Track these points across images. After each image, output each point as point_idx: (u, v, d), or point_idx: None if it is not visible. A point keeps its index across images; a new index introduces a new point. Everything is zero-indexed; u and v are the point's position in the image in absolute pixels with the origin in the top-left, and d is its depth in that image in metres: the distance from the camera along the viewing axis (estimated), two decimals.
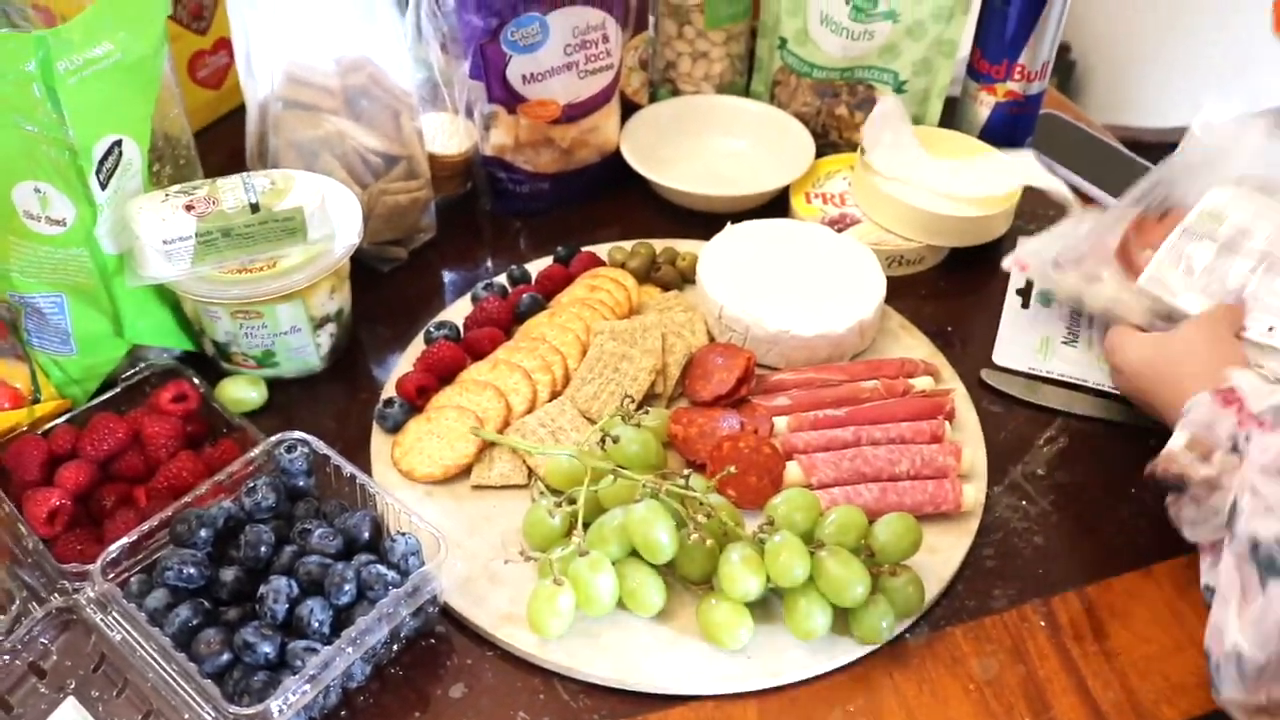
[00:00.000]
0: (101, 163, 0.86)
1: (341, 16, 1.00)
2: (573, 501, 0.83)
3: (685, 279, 1.09)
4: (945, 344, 1.04)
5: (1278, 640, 0.66)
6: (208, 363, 0.99)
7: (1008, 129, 1.23)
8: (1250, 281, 0.92)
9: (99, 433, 0.87)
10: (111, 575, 0.76)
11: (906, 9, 1.16)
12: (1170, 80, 2.44)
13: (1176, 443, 0.78)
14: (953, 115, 1.27)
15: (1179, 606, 0.84)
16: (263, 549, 0.78)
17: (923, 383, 0.98)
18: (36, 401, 0.90)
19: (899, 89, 1.22)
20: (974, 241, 1.13)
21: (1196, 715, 0.78)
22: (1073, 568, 0.87)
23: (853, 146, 1.25)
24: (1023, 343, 1.05)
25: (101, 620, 0.75)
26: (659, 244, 1.11)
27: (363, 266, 1.08)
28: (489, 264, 1.15)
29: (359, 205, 0.98)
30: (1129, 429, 0.97)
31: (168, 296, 0.96)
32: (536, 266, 1.10)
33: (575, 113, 1.15)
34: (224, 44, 1.27)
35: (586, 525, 0.82)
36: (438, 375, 0.97)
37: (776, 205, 1.19)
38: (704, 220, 1.15)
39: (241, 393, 0.97)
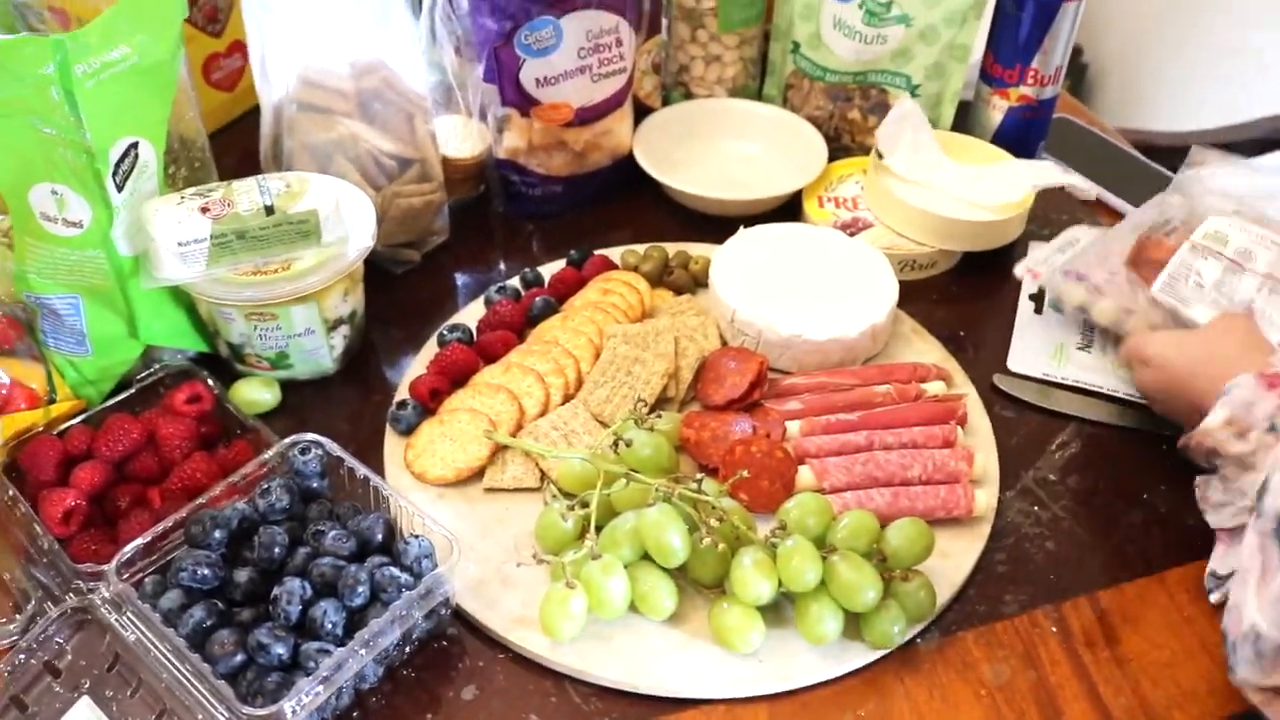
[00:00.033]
0: (118, 165, 0.86)
1: (356, 20, 1.00)
2: (585, 505, 0.83)
3: (698, 283, 1.09)
4: (957, 349, 1.04)
5: None
6: (222, 364, 1.00)
7: (1020, 133, 1.23)
8: (1258, 299, 0.94)
9: (114, 433, 0.87)
10: (126, 575, 0.77)
11: (920, 13, 1.16)
12: (1183, 84, 2.43)
13: (1214, 420, 0.78)
14: (965, 120, 1.26)
15: (1191, 613, 0.84)
16: (276, 550, 0.78)
17: (935, 387, 0.98)
18: (52, 402, 0.91)
19: (912, 93, 1.22)
20: (987, 246, 1.13)
21: None
22: (1085, 573, 0.87)
23: (865, 150, 1.25)
24: (1037, 348, 1.05)
25: (116, 620, 0.75)
26: (672, 247, 1.11)
27: (376, 269, 1.08)
28: (502, 267, 1.15)
29: (373, 208, 0.98)
30: (1142, 435, 0.97)
31: (182, 298, 0.97)
32: (549, 269, 1.11)
33: (588, 116, 1.15)
34: (239, 47, 1.28)
35: (599, 528, 0.82)
36: (450, 378, 0.97)
37: (789, 209, 1.19)
38: (717, 224, 1.15)
39: (255, 394, 0.97)
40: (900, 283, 1.03)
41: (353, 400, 1.00)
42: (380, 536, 0.80)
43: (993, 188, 1.13)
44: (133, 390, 0.94)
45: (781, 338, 0.98)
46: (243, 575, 0.77)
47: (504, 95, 1.11)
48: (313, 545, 0.79)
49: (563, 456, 0.88)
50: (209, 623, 0.74)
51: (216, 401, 0.93)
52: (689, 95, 1.30)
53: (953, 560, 0.86)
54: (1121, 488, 0.93)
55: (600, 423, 0.94)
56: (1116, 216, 1.20)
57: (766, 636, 0.80)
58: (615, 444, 0.87)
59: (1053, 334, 1.06)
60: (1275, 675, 0.67)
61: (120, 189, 0.87)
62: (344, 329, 0.99)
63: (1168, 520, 0.91)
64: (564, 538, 0.83)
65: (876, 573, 0.79)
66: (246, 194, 0.91)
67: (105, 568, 0.76)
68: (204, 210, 0.89)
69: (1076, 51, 2.46)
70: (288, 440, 0.85)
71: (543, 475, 0.91)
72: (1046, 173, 1.16)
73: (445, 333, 1.02)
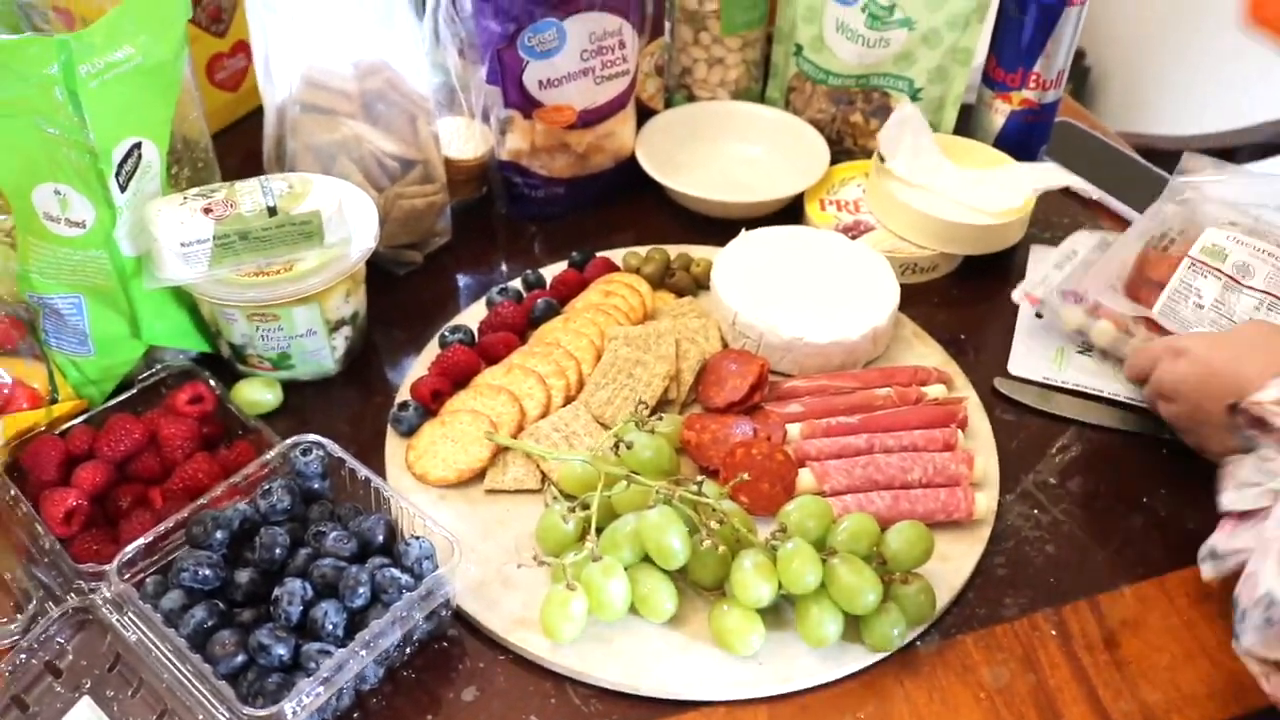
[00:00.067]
0: (121, 165, 0.87)
1: (359, 21, 1.00)
2: (586, 507, 0.84)
3: (699, 285, 1.09)
4: (958, 352, 1.04)
5: None
6: (224, 365, 1.00)
7: (1022, 137, 1.23)
8: (1257, 317, 0.95)
9: (116, 433, 0.87)
10: (127, 576, 0.77)
11: (922, 17, 1.16)
12: (1186, 88, 2.43)
13: (1270, 394, 0.78)
14: (967, 123, 1.27)
15: (1191, 616, 0.84)
16: (278, 551, 0.78)
17: (935, 390, 0.98)
18: (54, 402, 0.91)
19: (914, 96, 1.22)
20: (988, 249, 1.13)
21: None
22: (1084, 577, 0.87)
23: (867, 153, 1.25)
24: (1038, 352, 1.05)
25: (117, 620, 0.75)
26: (673, 250, 1.11)
27: (378, 270, 1.08)
28: (504, 268, 1.15)
29: (375, 209, 0.98)
30: (1143, 439, 0.97)
31: (185, 298, 0.97)
32: (551, 271, 1.11)
33: (591, 118, 1.15)
34: (242, 47, 1.28)
35: (599, 530, 0.82)
36: (452, 379, 0.97)
37: (791, 212, 1.19)
38: (718, 226, 1.15)
39: (257, 395, 0.97)
40: (901, 286, 1.03)
41: (354, 401, 1.00)
42: (381, 537, 0.80)
43: (994, 191, 1.13)
44: (134, 390, 0.94)
45: (783, 340, 0.99)
46: (244, 576, 0.78)
47: (507, 97, 1.11)
48: (314, 546, 0.79)
49: (564, 458, 0.88)
50: (210, 623, 0.75)
51: (218, 402, 0.93)
52: (691, 98, 1.30)
53: (952, 563, 0.86)
54: (1122, 491, 0.93)
55: (601, 425, 0.94)
56: (1118, 220, 1.21)
57: (766, 639, 0.80)
58: (616, 446, 0.87)
59: (1053, 338, 1.06)
60: (1278, 649, 0.67)
61: (123, 189, 0.87)
62: (346, 330, 0.99)
63: (1168, 524, 0.91)
64: (565, 539, 0.83)
65: (876, 576, 0.79)
66: (249, 195, 0.91)
67: (106, 568, 0.76)
68: (207, 211, 0.89)
69: (1079, 55, 2.46)
70: (289, 441, 0.85)
71: (544, 477, 0.91)
72: (1048, 176, 1.16)
73: (447, 334, 1.03)
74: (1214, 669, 0.81)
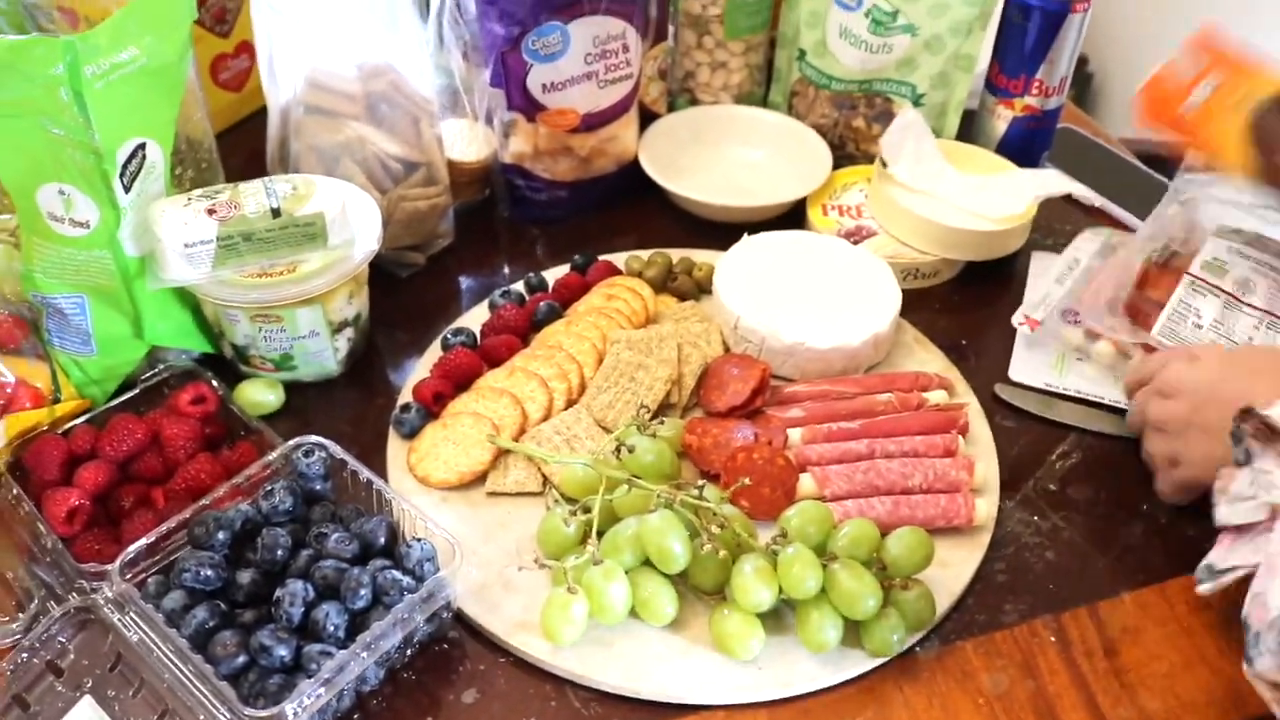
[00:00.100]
0: (125, 166, 0.87)
1: (364, 23, 1.01)
2: (587, 510, 0.84)
3: (702, 289, 1.09)
4: (959, 358, 1.04)
5: None
6: (226, 365, 1.00)
7: (1025, 143, 1.23)
8: (1255, 336, 0.96)
9: (118, 433, 0.87)
10: (129, 575, 0.77)
11: (925, 23, 1.17)
12: None
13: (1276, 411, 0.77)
14: (970, 129, 1.27)
15: (1191, 624, 0.84)
16: (279, 552, 0.78)
17: (936, 396, 0.98)
18: (57, 401, 0.91)
19: (916, 102, 1.22)
20: (989, 255, 1.13)
21: None
22: (1084, 584, 0.87)
23: (870, 159, 1.25)
24: (1039, 358, 1.05)
25: (119, 620, 0.76)
26: (676, 253, 1.12)
27: (381, 272, 1.08)
28: (506, 271, 1.15)
29: (378, 211, 0.99)
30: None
31: (188, 299, 0.97)
32: (554, 274, 1.11)
33: (594, 122, 1.15)
34: (246, 47, 1.28)
35: (600, 534, 0.83)
36: (454, 382, 0.98)
37: (793, 216, 1.19)
38: (721, 230, 1.15)
39: (259, 395, 0.97)
40: (903, 291, 1.04)
41: (356, 403, 1.00)
42: (383, 539, 0.80)
43: (996, 197, 1.13)
44: (137, 390, 0.94)
45: (784, 345, 0.99)
46: (245, 577, 0.78)
47: (510, 100, 1.12)
48: (315, 547, 0.79)
49: (565, 461, 0.89)
50: (211, 624, 0.75)
51: (220, 402, 0.93)
52: (694, 101, 1.31)
53: (952, 569, 0.86)
54: (1122, 498, 0.93)
55: (603, 428, 0.94)
56: (1120, 227, 1.21)
57: (766, 643, 0.80)
58: (617, 449, 0.87)
59: (1055, 344, 1.06)
60: None
61: (127, 190, 0.88)
62: (348, 331, 1.00)
63: (1168, 531, 0.91)
64: (565, 543, 0.84)
65: (876, 581, 0.79)
66: (253, 196, 0.91)
67: (108, 568, 0.76)
68: (210, 212, 0.89)
69: (1082, 61, 2.46)
70: (291, 442, 0.85)
71: (545, 480, 0.91)
72: (1050, 183, 1.16)
73: (449, 336, 1.03)
74: (1213, 677, 0.81)
